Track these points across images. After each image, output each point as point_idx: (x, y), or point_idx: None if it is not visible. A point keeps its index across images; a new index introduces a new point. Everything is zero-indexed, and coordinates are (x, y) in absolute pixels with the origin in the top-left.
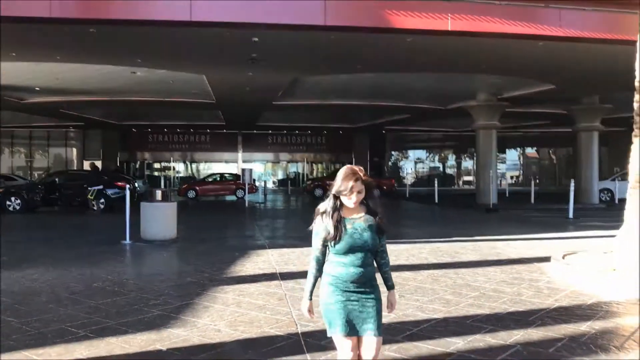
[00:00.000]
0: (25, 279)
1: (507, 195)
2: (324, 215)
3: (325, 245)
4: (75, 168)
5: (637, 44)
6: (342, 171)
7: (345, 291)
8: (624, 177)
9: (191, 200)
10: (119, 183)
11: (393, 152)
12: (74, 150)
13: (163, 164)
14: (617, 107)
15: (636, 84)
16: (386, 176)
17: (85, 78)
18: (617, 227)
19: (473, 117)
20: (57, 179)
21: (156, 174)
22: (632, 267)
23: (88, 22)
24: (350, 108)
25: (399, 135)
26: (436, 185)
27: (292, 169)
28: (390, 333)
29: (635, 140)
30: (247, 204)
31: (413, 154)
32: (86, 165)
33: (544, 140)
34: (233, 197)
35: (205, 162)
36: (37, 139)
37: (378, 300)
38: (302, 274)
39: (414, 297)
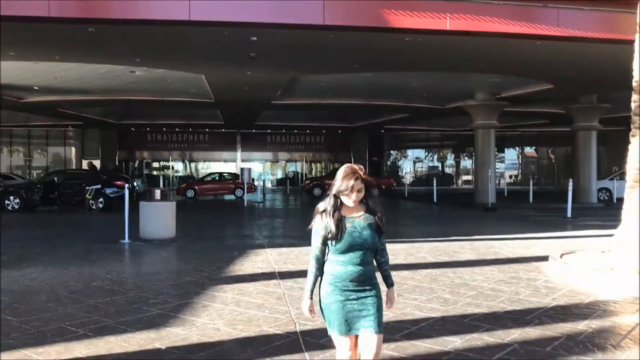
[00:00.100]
0: (24, 278)
1: (505, 194)
2: (324, 214)
3: (324, 244)
4: (74, 167)
5: (635, 43)
6: (342, 170)
7: (344, 290)
8: (622, 176)
9: (190, 200)
10: (118, 182)
11: (392, 152)
12: (73, 149)
13: (162, 163)
14: (616, 106)
15: (634, 83)
16: (385, 175)
17: (83, 77)
18: (615, 227)
19: (472, 117)
20: (55, 178)
21: (155, 173)
22: (630, 267)
23: (87, 21)
24: (348, 107)
25: (398, 135)
26: (435, 184)
27: (291, 168)
28: (389, 332)
29: (632, 140)
30: (245, 204)
31: (412, 153)
32: (85, 164)
33: (543, 139)
34: (232, 197)
35: (204, 161)
36: (35, 138)
37: (378, 297)
38: (301, 273)
39: (412, 296)
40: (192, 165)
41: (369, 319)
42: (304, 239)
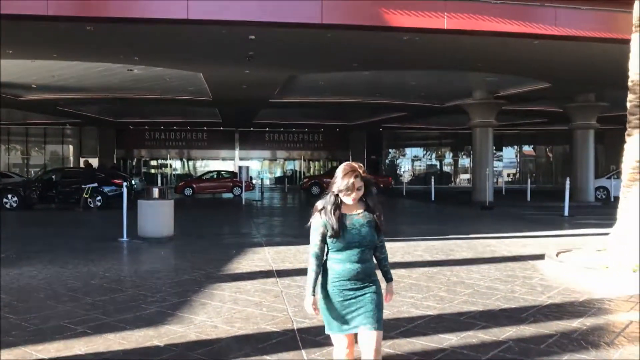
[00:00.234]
0: (23, 276)
1: (503, 192)
2: (322, 212)
3: (324, 241)
4: (71, 165)
5: (631, 43)
6: (342, 168)
7: (343, 288)
8: (619, 175)
9: (188, 198)
10: (116, 180)
11: (390, 150)
12: (71, 147)
13: (160, 162)
14: (613, 105)
15: (630, 83)
16: (383, 174)
17: (81, 75)
18: (612, 225)
19: (470, 115)
20: (53, 176)
21: (153, 171)
22: (625, 265)
23: (85, 20)
24: (347, 106)
25: (396, 133)
26: (432, 182)
27: (289, 166)
28: (385, 329)
29: (628, 139)
30: (244, 202)
31: (410, 151)
32: (82, 162)
33: (541, 138)
34: (230, 195)
35: (202, 159)
36: (33, 136)
37: (378, 294)
38: (298, 272)
39: (408, 294)
40: (190, 163)
41: (368, 315)
42: (302, 237)
